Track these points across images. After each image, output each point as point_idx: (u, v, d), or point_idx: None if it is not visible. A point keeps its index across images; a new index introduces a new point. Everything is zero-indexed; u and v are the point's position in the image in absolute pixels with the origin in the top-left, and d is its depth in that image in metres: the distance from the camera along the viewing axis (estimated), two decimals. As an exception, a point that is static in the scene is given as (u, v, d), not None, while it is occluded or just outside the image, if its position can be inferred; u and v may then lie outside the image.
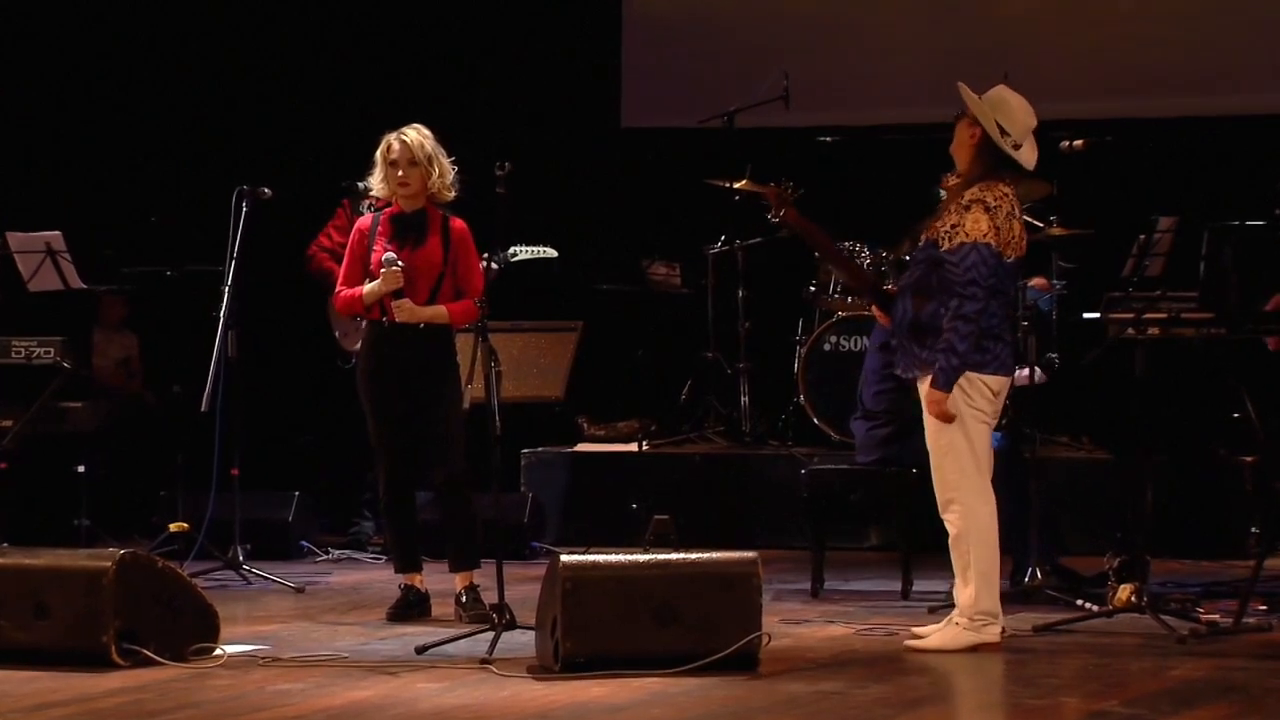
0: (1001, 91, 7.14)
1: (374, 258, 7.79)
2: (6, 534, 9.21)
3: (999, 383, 7.07)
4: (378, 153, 7.81)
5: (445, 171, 7.78)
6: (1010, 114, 7.07)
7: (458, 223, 7.88)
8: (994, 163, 7.07)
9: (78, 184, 11.74)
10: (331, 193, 10.23)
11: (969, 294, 6.91)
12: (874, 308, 7.36)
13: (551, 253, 9.90)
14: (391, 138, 7.78)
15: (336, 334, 10.24)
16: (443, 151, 7.80)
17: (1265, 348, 8.33)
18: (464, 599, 7.80)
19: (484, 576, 8.86)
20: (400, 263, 7.69)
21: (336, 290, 7.98)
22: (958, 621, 7.06)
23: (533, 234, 9.85)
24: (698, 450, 10.64)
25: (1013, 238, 7.04)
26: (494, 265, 9.94)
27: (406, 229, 7.82)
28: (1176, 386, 8.43)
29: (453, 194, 7.83)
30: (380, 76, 12.08)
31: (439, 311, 7.77)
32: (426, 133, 7.79)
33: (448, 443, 7.81)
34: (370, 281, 7.79)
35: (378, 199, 10.20)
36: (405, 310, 7.71)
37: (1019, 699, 6.27)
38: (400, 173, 7.73)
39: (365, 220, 7.99)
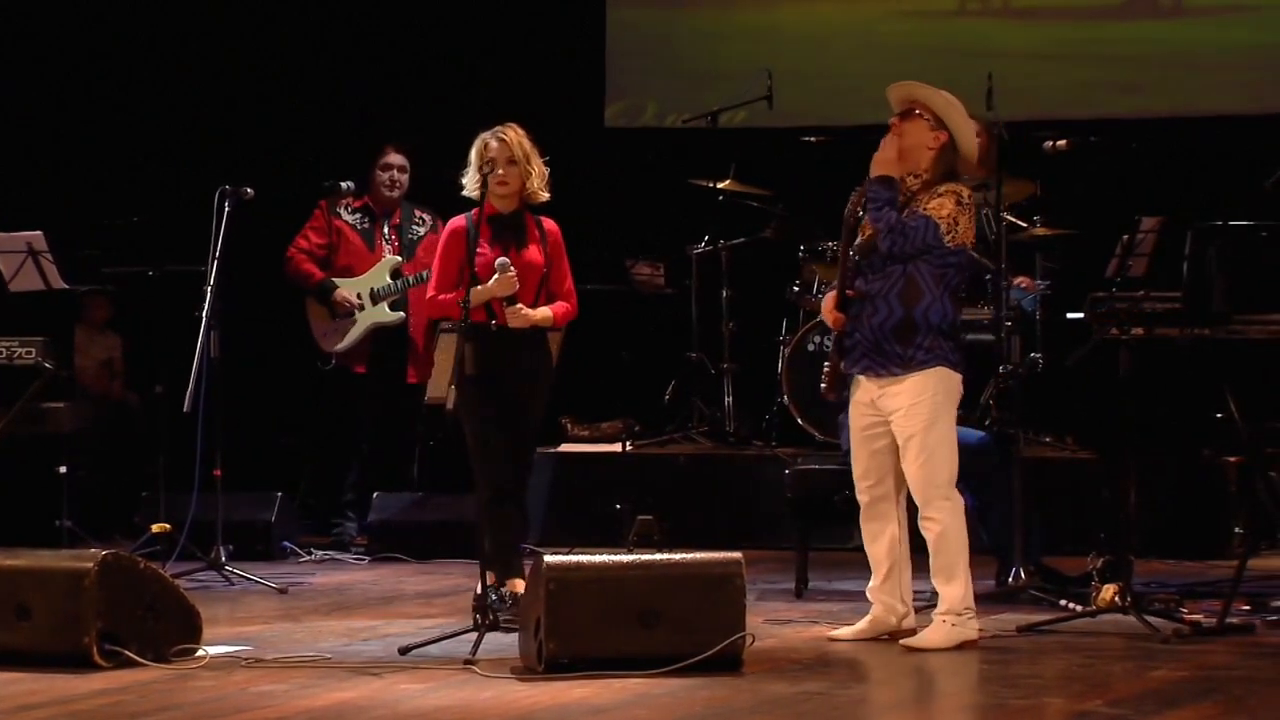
0: (950, 95, 7.21)
1: (479, 260, 7.58)
2: (-12, 535, 9.18)
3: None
4: (473, 151, 7.62)
5: (541, 172, 7.65)
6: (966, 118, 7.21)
7: (551, 224, 7.76)
8: (953, 165, 7.19)
9: (59, 184, 11.71)
10: (315, 193, 10.24)
11: (894, 244, 6.99)
12: (830, 307, 7.28)
13: None
14: (488, 136, 7.60)
15: (315, 334, 10.24)
16: (537, 152, 7.67)
17: (1250, 348, 8.33)
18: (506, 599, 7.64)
19: (469, 577, 8.85)
20: (513, 268, 7.54)
21: (430, 294, 7.70)
22: (946, 619, 7.06)
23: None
24: (682, 451, 10.63)
25: (970, 234, 7.20)
26: None
27: (505, 230, 7.65)
28: (1161, 387, 8.43)
29: (547, 195, 7.67)
30: (364, 78, 12.06)
31: (547, 315, 7.66)
32: (522, 132, 7.64)
33: (523, 452, 7.74)
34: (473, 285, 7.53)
35: (353, 199, 10.24)
36: (520, 316, 7.55)
37: (1003, 699, 6.27)
38: (500, 172, 7.58)
39: (458, 221, 7.70)
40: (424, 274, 10.11)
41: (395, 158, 10.26)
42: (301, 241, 10.25)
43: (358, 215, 10.26)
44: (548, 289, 7.72)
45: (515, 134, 7.62)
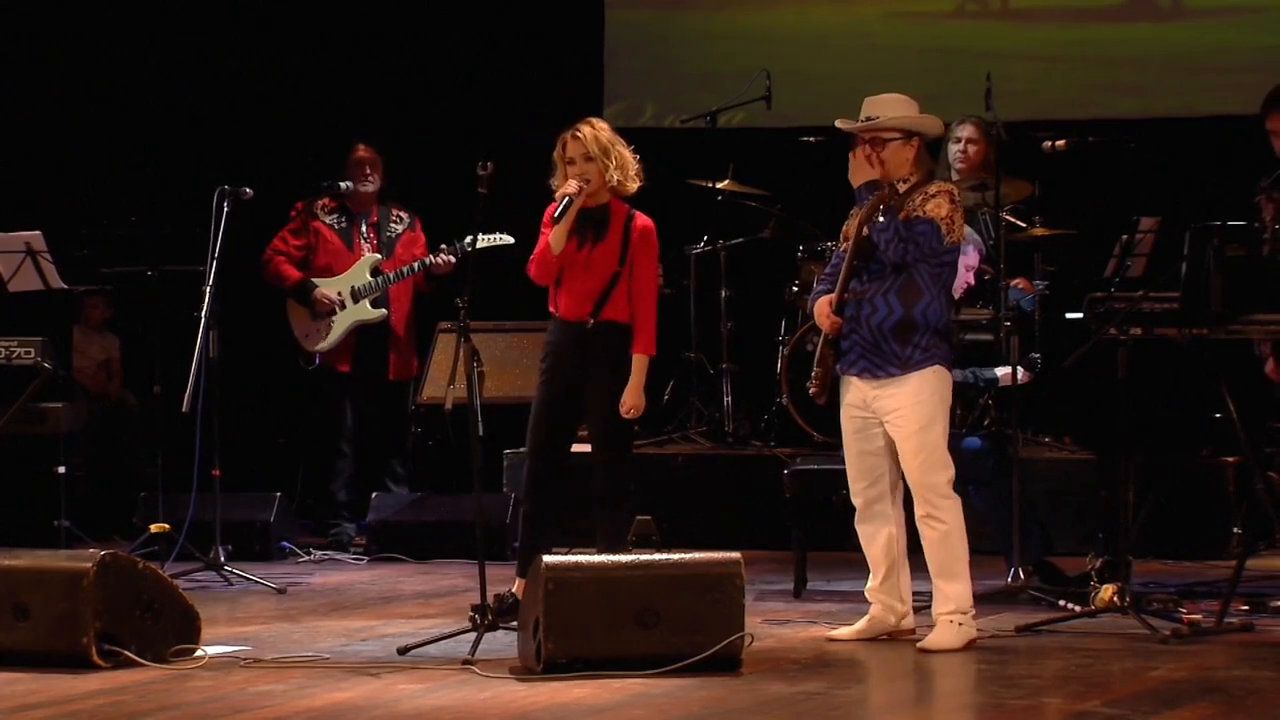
0: (895, 98, 7.26)
1: (564, 253, 7.58)
2: (-14, 535, 9.18)
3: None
4: (554, 154, 7.62)
5: (624, 163, 7.59)
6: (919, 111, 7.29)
7: (642, 219, 7.70)
8: (927, 157, 7.27)
9: (57, 184, 11.71)
10: (314, 193, 10.23)
11: (907, 252, 7.04)
12: (827, 311, 7.27)
13: (508, 239, 9.86)
14: (565, 135, 7.59)
15: (297, 335, 10.25)
16: (622, 142, 7.62)
17: (1247, 348, 8.34)
18: None
19: (468, 578, 8.86)
20: (573, 184, 7.48)
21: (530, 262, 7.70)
22: (953, 619, 7.06)
23: (521, 237, 9.84)
24: (680, 451, 10.62)
25: (962, 230, 7.29)
26: (451, 258, 9.95)
27: (587, 224, 7.62)
28: (1159, 387, 8.43)
29: (637, 184, 7.62)
30: (363, 79, 12.06)
31: (640, 377, 7.59)
32: (602, 125, 7.62)
33: (612, 453, 7.66)
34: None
35: (330, 200, 10.25)
36: (637, 408, 7.56)
37: (1001, 699, 6.27)
38: (577, 169, 7.58)
39: (554, 207, 7.69)
40: (404, 270, 10.13)
41: (365, 153, 10.29)
42: (279, 244, 10.26)
43: (335, 215, 10.27)
44: (630, 288, 7.64)
45: (591, 129, 7.60)
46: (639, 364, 7.62)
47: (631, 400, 7.57)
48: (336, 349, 10.17)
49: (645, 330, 7.65)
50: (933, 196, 7.13)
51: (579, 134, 7.59)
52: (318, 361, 10.21)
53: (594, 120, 7.66)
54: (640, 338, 7.64)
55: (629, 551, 7.37)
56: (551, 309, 7.74)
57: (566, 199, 7.50)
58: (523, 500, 7.82)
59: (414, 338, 10.34)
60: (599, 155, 7.56)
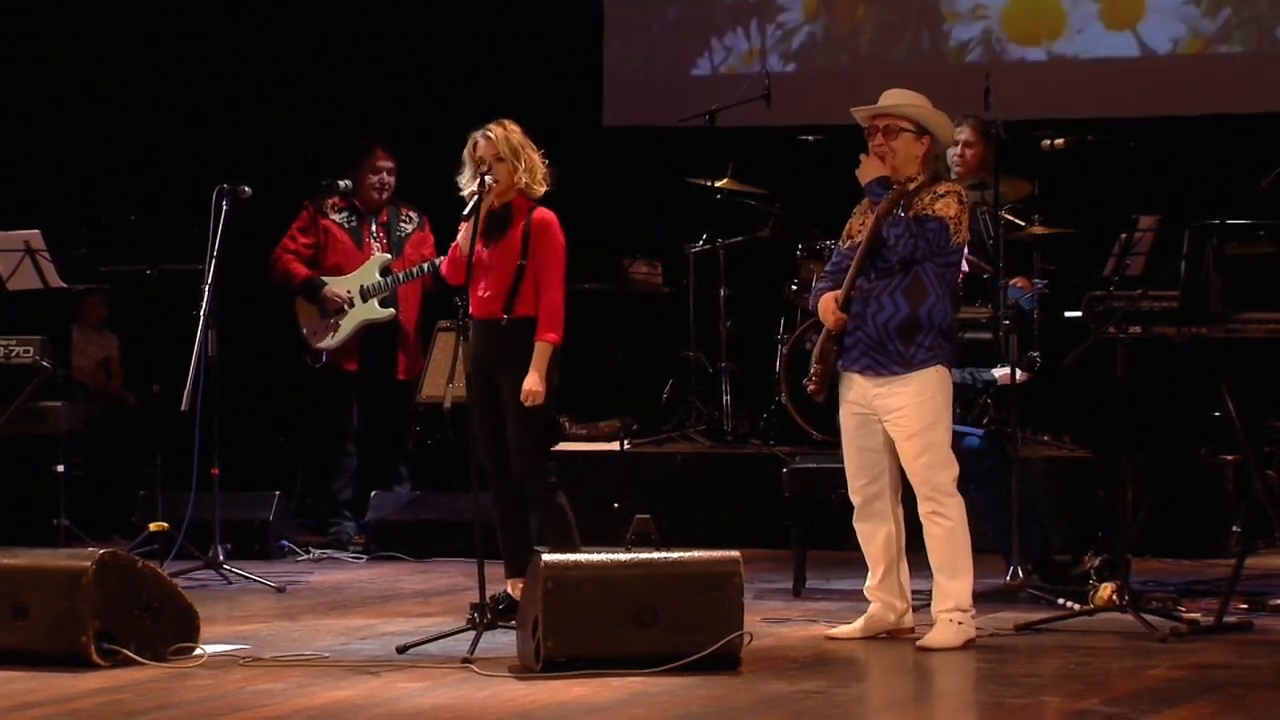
0: (917, 95, 7.28)
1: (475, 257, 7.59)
2: (-15, 534, 9.18)
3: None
4: (464, 151, 7.64)
5: (533, 166, 7.62)
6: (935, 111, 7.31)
7: (541, 213, 7.68)
8: (934, 162, 7.30)
9: (56, 182, 11.71)
10: (313, 192, 10.24)
11: (917, 248, 7.05)
12: (832, 307, 7.26)
13: None
14: (477, 135, 7.62)
15: (305, 333, 10.24)
16: (532, 146, 7.65)
17: (1247, 347, 8.33)
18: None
19: (467, 576, 8.86)
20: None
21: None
22: (953, 618, 7.06)
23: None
24: (679, 450, 10.62)
25: (967, 232, 7.30)
26: None
27: (492, 224, 7.64)
28: (1158, 386, 8.43)
29: (544, 188, 7.65)
30: (362, 78, 12.06)
31: (541, 365, 7.54)
32: (513, 128, 7.63)
33: (525, 451, 7.64)
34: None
35: (339, 198, 10.25)
36: (533, 395, 7.50)
37: (1000, 698, 6.27)
38: (487, 169, 7.57)
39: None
40: (414, 271, 10.13)
41: (385, 161, 10.28)
42: (289, 243, 10.25)
43: (345, 214, 10.27)
44: (536, 283, 7.65)
45: (502, 130, 7.62)
46: (540, 351, 7.57)
47: (529, 386, 7.52)
48: (344, 348, 10.17)
49: (547, 319, 7.61)
50: (941, 196, 7.16)
51: (490, 134, 7.61)
52: (324, 359, 10.22)
53: (505, 121, 7.66)
54: (541, 325, 7.61)
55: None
56: (463, 265, 7.62)
57: (475, 198, 7.50)
58: (490, 506, 7.73)
59: (423, 338, 10.34)
60: (509, 156, 7.59)
